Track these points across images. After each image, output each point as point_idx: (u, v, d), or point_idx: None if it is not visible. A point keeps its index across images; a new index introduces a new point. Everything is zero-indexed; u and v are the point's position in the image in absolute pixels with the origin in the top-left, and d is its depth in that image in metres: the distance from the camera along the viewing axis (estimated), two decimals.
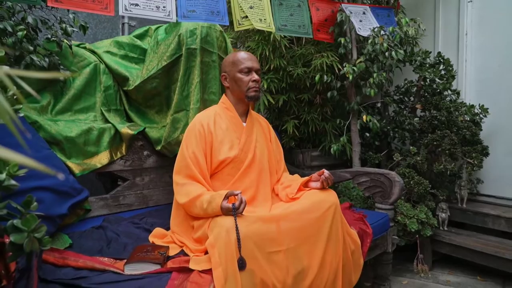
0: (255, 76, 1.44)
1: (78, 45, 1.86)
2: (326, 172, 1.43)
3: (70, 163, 1.52)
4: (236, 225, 1.13)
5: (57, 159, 1.46)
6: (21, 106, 0.88)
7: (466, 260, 2.15)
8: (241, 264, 1.10)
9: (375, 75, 1.94)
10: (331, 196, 1.42)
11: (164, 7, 1.37)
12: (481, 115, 2.31)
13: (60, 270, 1.07)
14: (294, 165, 2.54)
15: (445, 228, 2.25)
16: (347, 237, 1.48)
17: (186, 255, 1.24)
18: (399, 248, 2.22)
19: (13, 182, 0.70)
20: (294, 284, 1.24)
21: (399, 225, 2.03)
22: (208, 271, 1.10)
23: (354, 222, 1.67)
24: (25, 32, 1.30)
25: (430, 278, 2.11)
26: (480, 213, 2.21)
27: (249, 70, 1.44)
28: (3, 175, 0.68)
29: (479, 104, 2.31)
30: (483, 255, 2.00)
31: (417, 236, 2.03)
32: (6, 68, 0.41)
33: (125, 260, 1.15)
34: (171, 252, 1.25)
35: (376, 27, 1.99)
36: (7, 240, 1.01)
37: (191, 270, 1.10)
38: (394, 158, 2.31)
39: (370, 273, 2.03)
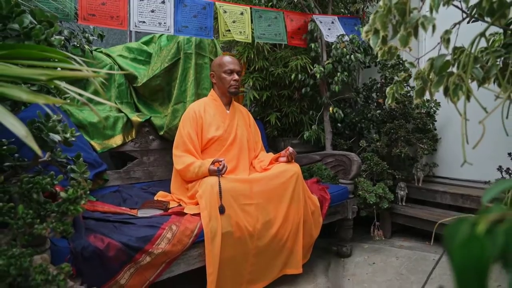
0: (235, 76, 1.87)
1: (95, 50, 2.29)
2: (290, 149, 1.86)
3: (93, 142, 1.96)
4: (219, 182, 1.56)
5: (83, 139, 1.90)
6: (68, 95, 1.31)
7: (419, 230, 2.57)
8: (221, 210, 1.53)
9: (338, 74, 2.36)
10: (294, 167, 1.85)
11: (164, 23, 1.80)
12: (434, 108, 2.74)
13: (92, 213, 1.50)
14: (277, 151, 2.95)
15: (403, 204, 2.68)
16: (308, 200, 1.91)
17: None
18: (364, 222, 2.66)
19: (73, 139, 1.12)
20: (262, 230, 1.67)
21: (360, 199, 2.45)
22: (197, 215, 1.53)
23: (317, 191, 2.10)
24: (62, 42, 1.72)
25: (387, 244, 2.54)
26: (431, 190, 2.63)
27: (231, 72, 1.88)
28: (68, 134, 1.10)
29: (433, 99, 2.73)
30: (429, 223, 2.43)
31: (374, 207, 2.46)
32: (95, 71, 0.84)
33: (137, 209, 1.59)
34: (171, 205, 1.69)
35: (341, 34, 2.42)
36: (58, 188, 1.45)
37: (185, 214, 1.53)
38: (360, 145, 2.74)
39: (337, 239, 2.45)
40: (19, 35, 0.86)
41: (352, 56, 2.30)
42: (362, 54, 2.44)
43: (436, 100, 2.72)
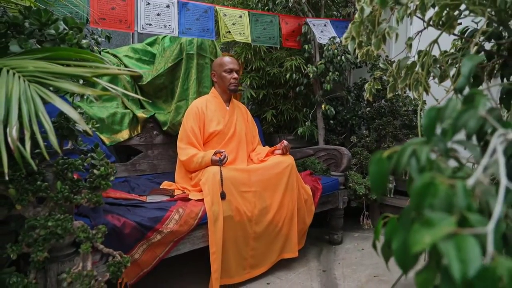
0: (234, 75, 2.04)
1: (102, 50, 2.44)
2: (285, 142, 2.03)
3: (102, 137, 2.11)
4: (221, 170, 1.72)
5: (94, 133, 2.05)
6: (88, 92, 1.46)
7: None
8: (223, 196, 1.69)
9: (330, 74, 2.54)
10: (289, 159, 2.01)
11: (169, 25, 1.96)
12: (420, 106, 2.92)
13: (106, 198, 1.66)
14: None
15: (392, 195, 2.86)
16: (301, 189, 2.07)
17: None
18: (355, 213, 2.83)
19: (93, 129, 1.28)
20: (259, 215, 1.83)
21: (350, 190, 2.62)
22: (201, 201, 1.69)
23: (310, 182, 2.26)
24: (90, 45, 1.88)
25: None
26: None
27: (231, 71, 2.04)
28: (89, 125, 1.26)
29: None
30: None
31: (363, 198, 2.63)
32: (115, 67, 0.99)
33: (146, 196, 1.74)
34: (176, 193, 1.84)
35: (333, 36, 2.59)
36: (75, 175, 1.60)
37: (190, 200, 1.69)
38: (351, 140, 2.91)
39: (329, 228, 2.62)
40: (54, 39, 1.02)
41: (343, 57, 2.47)
42: (352, 55, 2.61)
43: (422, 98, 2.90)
